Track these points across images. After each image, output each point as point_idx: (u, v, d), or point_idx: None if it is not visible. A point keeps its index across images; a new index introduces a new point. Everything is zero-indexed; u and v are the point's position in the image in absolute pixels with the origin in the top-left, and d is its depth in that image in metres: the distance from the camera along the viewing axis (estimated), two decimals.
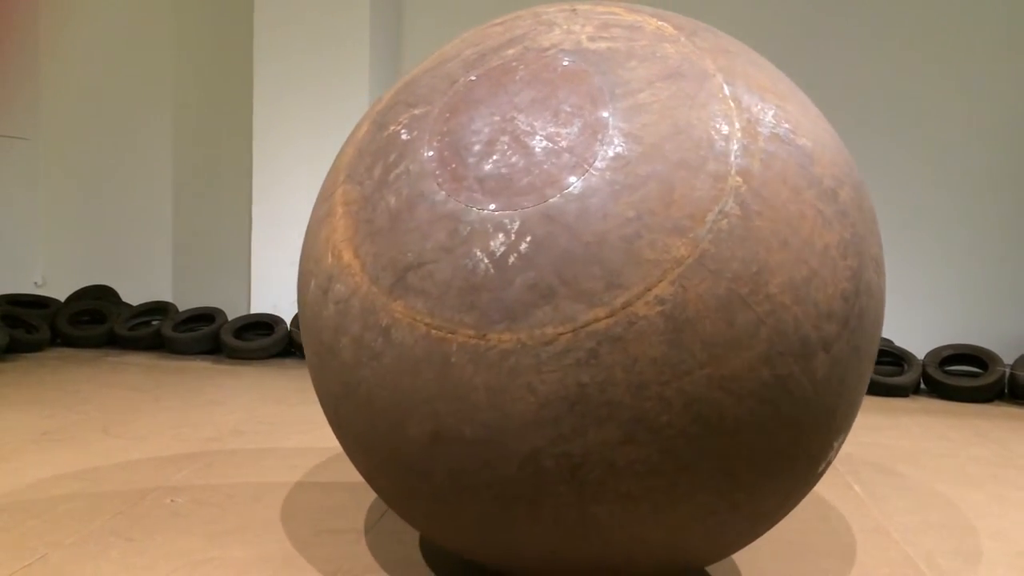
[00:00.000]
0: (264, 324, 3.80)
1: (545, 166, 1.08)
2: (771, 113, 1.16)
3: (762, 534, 1.29)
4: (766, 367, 1.08)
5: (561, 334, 1.03)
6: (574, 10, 1.28)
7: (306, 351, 1.34)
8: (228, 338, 3.64)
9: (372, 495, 1.88)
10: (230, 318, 3.88)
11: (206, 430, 2.41)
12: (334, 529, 1.66)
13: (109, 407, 2.68)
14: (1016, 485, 2.17)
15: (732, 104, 1.14)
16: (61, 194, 4.63)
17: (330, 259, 1.22)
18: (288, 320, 3.84)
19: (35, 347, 3.72)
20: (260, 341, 3.65)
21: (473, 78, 1.19)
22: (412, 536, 1.64)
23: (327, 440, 2.33)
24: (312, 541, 1.60)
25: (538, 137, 1.10)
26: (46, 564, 1.44)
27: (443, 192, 1.11)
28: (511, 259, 1.05)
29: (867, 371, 1.26)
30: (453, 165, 1.12)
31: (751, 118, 1.13)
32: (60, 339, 3.91)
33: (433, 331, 1.08)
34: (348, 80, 4.02)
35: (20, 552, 1.48)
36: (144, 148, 4.69)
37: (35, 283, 4.51)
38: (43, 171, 4.58)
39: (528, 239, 1.05)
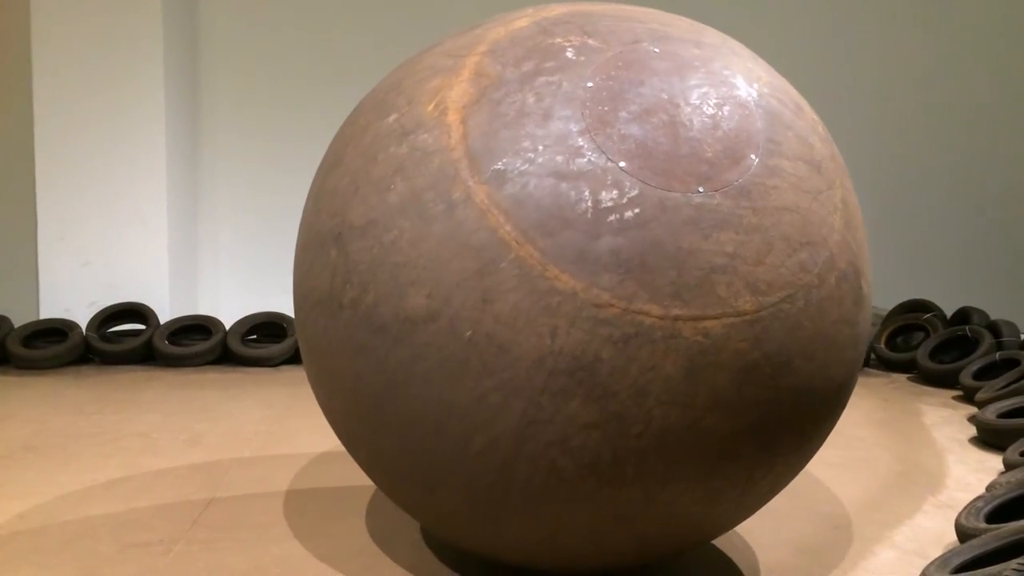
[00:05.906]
0: (56, 330, 3.38)
1: (684, 162, 1.11)
2: (855, 244, 1.24)
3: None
4: (743, 445, 1.14)
5: (612, 306, 1.05)
6: (756, 58, 1.32)
7: (338, 162, 1.28)
8: (15, 347, 3.25)
9: (180, 503, 1.75)
10: (16, 325, 3.43)
11: None
12: (140, 543, 1.55)
13: None
14: None
15: (838, 220, 1.21)
16: None
17: (431, 108, 1.19)
18: (84, 324, 3.44)
19: None
20: (52, 348, 3.28)
21: (657, 50, 1.21)
22: (225, 545, 1.55)
23: (129, 450, 2.16)
24: (116, 557, 1.48)
25: (692, 134, 1.13)
26: None
27: (584, 123, 1.11)
28: (611, 217, 1.06)
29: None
30: (606, 108, 1.13)
31: (843, 239, 1.21)
32: None
33: (501, 230, 1.07)
34: (138, 63, 3.58)
35: None
36: None
37: None
38: None
39: (636, 211, 1.07)
